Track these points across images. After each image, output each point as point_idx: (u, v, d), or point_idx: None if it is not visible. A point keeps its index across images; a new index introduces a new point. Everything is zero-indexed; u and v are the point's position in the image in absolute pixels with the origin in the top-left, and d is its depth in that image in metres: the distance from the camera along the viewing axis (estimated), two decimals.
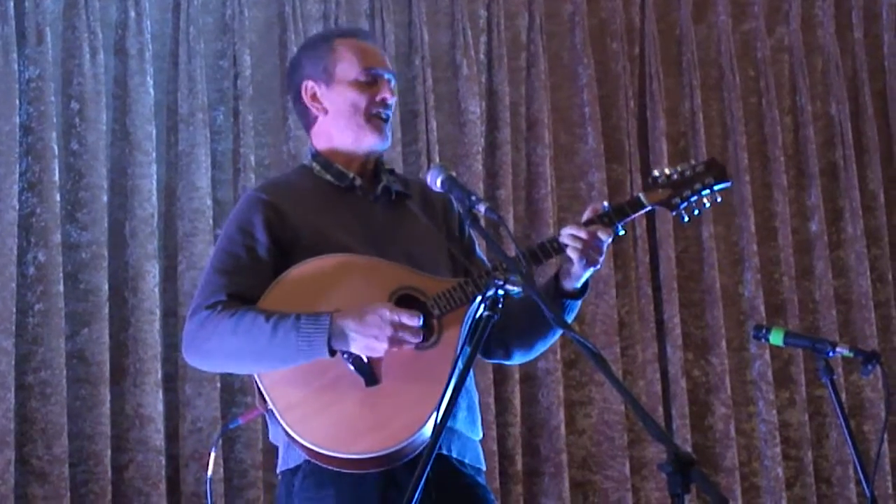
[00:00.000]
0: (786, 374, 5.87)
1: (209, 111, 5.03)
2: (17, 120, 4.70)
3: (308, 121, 3.23)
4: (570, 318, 3.17)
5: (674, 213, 3.15)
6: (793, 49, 6.22)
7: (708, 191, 3.15)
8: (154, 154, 4.89)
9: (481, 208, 2.86)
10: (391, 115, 3.20)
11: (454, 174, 2.98)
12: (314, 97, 3.19)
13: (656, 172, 3.16)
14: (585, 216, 3.07)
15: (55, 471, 4.56)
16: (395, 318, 2.87)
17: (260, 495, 4.85)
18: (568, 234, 3.02)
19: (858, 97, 6.30)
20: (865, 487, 3.76)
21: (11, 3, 4.75)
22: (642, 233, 5.69)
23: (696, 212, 3.16)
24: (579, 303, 3.15)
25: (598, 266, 3.06)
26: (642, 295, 5.66)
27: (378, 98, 3.15)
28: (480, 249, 3.30)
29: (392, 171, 3.25)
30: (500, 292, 2.68)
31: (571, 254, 3.02)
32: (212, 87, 5.08)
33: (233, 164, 5.05)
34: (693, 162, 3.19)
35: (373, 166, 3.21)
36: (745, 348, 5.86)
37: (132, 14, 4.93)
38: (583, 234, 3.01)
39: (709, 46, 6.09)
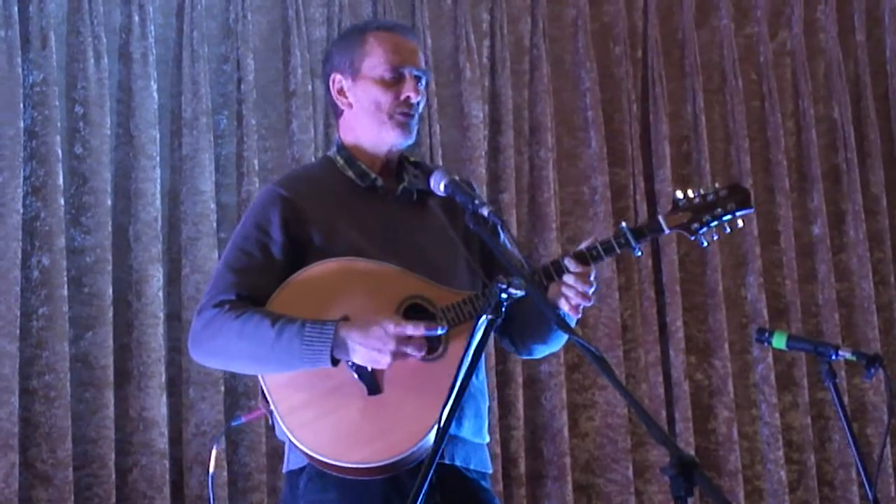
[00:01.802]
0: (788, 378, 5.87)
1: (213, 115, 5.03)
2: (22, 124, 4.71)
3: (335, 112, 3.22)
4: (564, 338, 3.18)
5: (693, 238, 3.11)
6: (795, 53, 6.22)
7: (729, 216, 3.11)
8: (158, 158, 4.89)
9: (484, 212, 2.83)
10: (418, 112, 3.16)
11: (457, 178, 2.97)
12: (340, 91, 3.17)
13: (679, 194, 3.13)
14: (582, 246, 3.05)
15: (59, 474, 4.56)
16: (400, 331, 2.87)
17: (263, 499, 4.85)
18: (569, 288, 3.01)
19: (861, 100, 6.30)
20: (868, 490, 3.75)
21: (16, 8, 4.75)
22: None
23: (716, 236, 3.13)
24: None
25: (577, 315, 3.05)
26: (645, 298, 5.66)
27: (402, 97, 3.11)
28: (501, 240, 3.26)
29: (417, 165, 3.22)
30: (504, 295, 2.67)
31: (562, 304, 3.00)
32: (215, 91, 5.08)
33: (236, 168, 5.05)
34: (717, 185, 3.15)
35: (396, 164, 3.19)
36: (748, 351, 5.86)
37: (136, 18, 4.93)
38: (582, 287, 2.99)
39: (711, 50, 6.09)
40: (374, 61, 3.13)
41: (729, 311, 5.83)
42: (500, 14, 5.64)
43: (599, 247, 3.03)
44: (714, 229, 3.12)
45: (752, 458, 5.77)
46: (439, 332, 2.92)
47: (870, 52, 6.39)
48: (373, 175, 3.14)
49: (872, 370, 3.81)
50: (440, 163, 5.29)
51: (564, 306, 3.00)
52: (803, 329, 5.91)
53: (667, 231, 3.10)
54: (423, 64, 3.20)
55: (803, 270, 6.03)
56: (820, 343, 3.86)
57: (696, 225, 3.11)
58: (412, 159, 3.24)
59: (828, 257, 6.04)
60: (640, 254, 3.09)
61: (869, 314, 6.05)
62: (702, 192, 3.12)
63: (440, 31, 5.54)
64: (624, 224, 3.08)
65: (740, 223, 3.14)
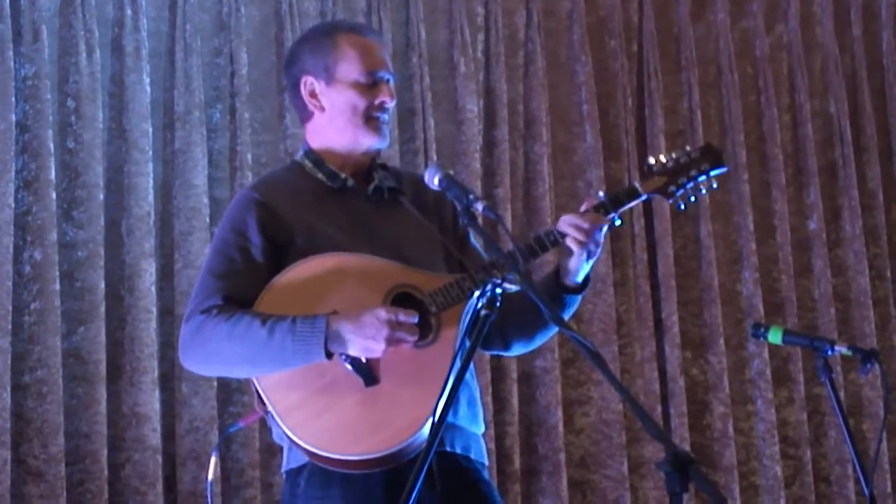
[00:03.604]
0: (784, 373, 5.86)
1: (206, 109, 5.01)
2: (14, 118, 4.69)
3: (304, 115, 3.21)
4: (570, 313, 3.16)
5: (670, 201, 3.14)
6: (791, 47, 6.21)
7: (704, 177, 3.14)
8: (150, 152, 4.87)
9: (479, 207, 2.84)
10: (389, 117, 3.19)
11: (452, 172, 2.96)
12: (312, 94, 3.17)
13: (651, 160, 3.14)
14: (583, 207, 3.06)
15: (51, 470, 4.54)
16: (392, 317, 2.86)
17: (257, 495, 4.83)
18: (566, 223, 3.01)
19: (857, 95, 6.29)
20: (864, 486, 3.75)
21: (7, 1, 4.73)
22: (640, 230, 5.68)
23: (693, 198, 3.15)
24: (580, 298, 3.13)
25: (596, 256, 3.04)
26: (640, 293, 5.65)
27: (377, 101, 3.13)
28: (477, 242, 3.28)
29: (384, 167, 3.24)
30: (498, 290, 2.66)
31: (570, 244, 3.01)
32: (208, 85, 5.06)
33: (229, 162, 5.03)
34: (688, 148, 3.17)
35: (367, 165, 3.20)
36: (744, 347, 5.85)
37: (128, 11, 4.91)
38: (581, 223, 3.00)
39: (707, 44, 6.08)
40: (349, 66, 3.14)
41: (724, 306, 5.82)
42: (495, 8, 5.62)
43: None
44: (690, 191, 3.14)
45: (747, 453, 5.76)
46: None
47: (866, 46, 6.38)
48: (342, 175, 3.15)
49: (868, 365, 3.80)
50: (434, 157, 5.28)
51: (573, 245, 3.00)
52: (799, 324, 5.89)
53: (644, 196, 3.13)
54: (391, 65, 3.22)
55: (799, 265, 6.02)
56: (816, 338, 3.85)
57: (672, 187, 3.14)
58: (380, 162, 3.25)
59: (824, 252, 6.03)
60: (619, 222, 3.09)
61: (865, 309, 6.04)
62: (674, 155, 3.14)
63: (434, 25, 5.52)
64: (601, 193, 3.08)
65: (715, 184, 3.16)
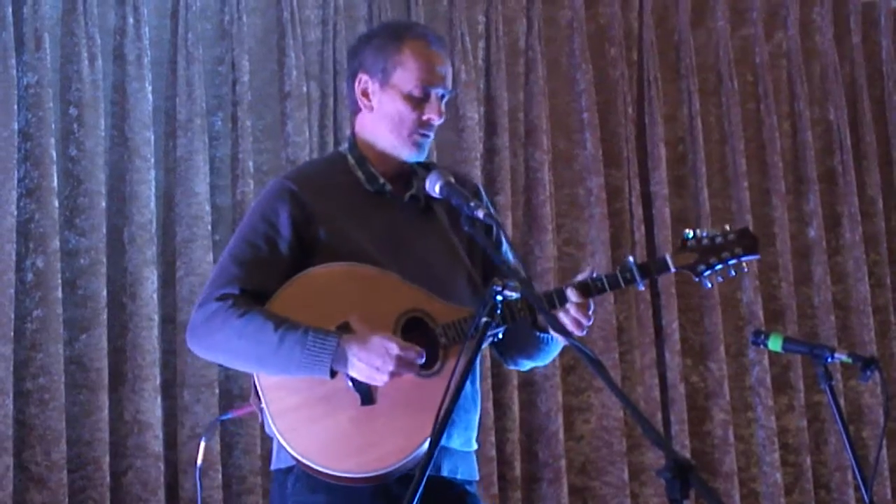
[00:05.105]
0: (784, 380, 5.87)
1: (207, 117, 5.02)
2: (16, 126, 4.70)
3: (354, 108, 3.20)
4: (552, 354, 3.19)
5: (697, 279, 3.15)
6: (791, 54, 6.22)
7: (735, 260, 3.15)
8: (152, 160, 4.88)
9: (479, 214, 2.83)
10: (433, 133, 3.16)
11: (453, 180, 2.97)
12: (365, 93, 3.14)
13: (689, 233, 3.14)
14: (593, 273, 3.06)
15: (54, 477, 4.55)
16: (402, 354, 2.87)
17: (258, 500, 4.84)
18: (571, 314, 3.02)
19: (857, 103, 6.30)
20: (864, 493, 3.75)
21: (10, 9, 4.75)
22: (640, 238, 5.69)
23: (720, 279, 3.16)
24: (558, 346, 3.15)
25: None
26: (641, 300, 5.66)
27: (425, 118, 3.10)
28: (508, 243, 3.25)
29: (429, 167, 3.18)
30: (499, 297, 2.67)
31: (562, 319, 3.01)
32: (210, 93, 5.08)
33: (231, 169, 5.04)
34: (727, 227, 3.18)
35: (408, 168, 3.17)
36: (744, 354, 5.85)
37: (130, 20, 4.92)
38: (582, 319, 3.01)
39: (707, 52, 6.09)
40: (407, 76, 3.10)
41: (725, 313, 5.82)
42: (496, 16, 5.63)
43: (604, 279, 3.05)
44: (718, 272, 3.15)
45: (747, 460, 5.76)
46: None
47: (865, 54, 6.39)
48: (381, 180, 3.13)
49: (868, 372, 3.79)
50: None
51: (573, 327, 3.02)
52: (799, 331, 5.90)
53: (673, 270, 3.13)
54: (450, 82, 3.17)
55: (799, 273, 6.02)
56: (816, 345, 3.85)
57: (701, 267, 3.14)
58: (426, 162, 3.21)
59: (824, 259, 6.04)
60: (643, 287, 3.11)
61: (865, 316, 6.04)
62: (710, 233, 3.15)
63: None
64: (631, 259, 3.09)
65: (745, 267, 3.17)
